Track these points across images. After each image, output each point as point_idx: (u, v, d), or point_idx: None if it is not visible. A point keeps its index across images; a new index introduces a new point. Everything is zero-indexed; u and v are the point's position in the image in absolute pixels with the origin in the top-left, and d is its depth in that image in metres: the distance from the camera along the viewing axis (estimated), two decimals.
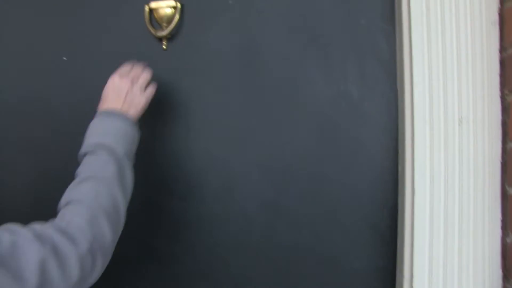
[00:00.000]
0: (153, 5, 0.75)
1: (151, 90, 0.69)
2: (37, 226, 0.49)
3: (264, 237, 0.71)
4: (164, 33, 0.74)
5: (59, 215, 0.54)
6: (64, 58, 0.80)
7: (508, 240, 0.59)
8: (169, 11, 0.74)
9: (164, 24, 0.75)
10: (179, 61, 0.75)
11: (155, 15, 0.75)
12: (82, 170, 0.58)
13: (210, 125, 0.75)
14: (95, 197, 0.55)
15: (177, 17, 0.74)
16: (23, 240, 0.45)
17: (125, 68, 0.69)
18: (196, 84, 0.75)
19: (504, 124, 0.61)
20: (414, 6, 0.65)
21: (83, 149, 0.61)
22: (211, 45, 0.75)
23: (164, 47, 0.76)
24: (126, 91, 0.65)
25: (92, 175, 0.57)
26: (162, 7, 0.74)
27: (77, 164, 0.60)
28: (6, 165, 0.82)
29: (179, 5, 0.74)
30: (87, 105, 0.78)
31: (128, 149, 0.62)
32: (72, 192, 0.56)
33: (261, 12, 0.73)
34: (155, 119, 0.75)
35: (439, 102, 0.63)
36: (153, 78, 0.70)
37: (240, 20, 0.74)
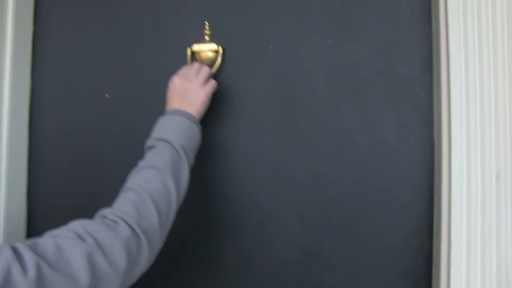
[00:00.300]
0: (195, 48, 0.77)
1: (211, 84, 0.72)
2: (77, 225, 0.50)
3: (299, 279, 0.73)
4: None
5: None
6: (107, 95, 0.82)
7: None
8: (210, 54, 0.77)
9: None
10: (219, 104, 0.77)
11: (197, 57, 0.77)
12: (141, 162, 0.62)
13: (248, 168, 0.76)
14: (145, 183, 0.58)
15: (219, 60, 0.77)
16: (65, 241, 0.47)
17: (183, 69, 0.72)
18: (236, 127, 0.77)
19: None
20: (453, 57, 0.67)
21: (146, 144, 0.66)
22: (251, 89, 0.77)
23: None
24: (185, 89, 0.69)
25: (147, 164, 0.61)
26: (204, 51, 0.76)
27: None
28: (48, 198, 0.84)
29: (221, 49, 0.77)
30: (129, 143, 0.81)
31: (186, 142, 0.64)
32: (127, 182, 0.60)
33: (300, 59, 0.75)
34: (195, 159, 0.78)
35: (477, 156, 0.65)
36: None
37: (280, 66, 0.76)
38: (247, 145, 0.77)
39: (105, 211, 0.55)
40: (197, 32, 0.78)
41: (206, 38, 0.77)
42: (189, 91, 0.69)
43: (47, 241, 0.46)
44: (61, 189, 0.83)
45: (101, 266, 0.47)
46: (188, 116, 0.67)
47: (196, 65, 0.73)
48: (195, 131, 0.68)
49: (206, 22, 0.77)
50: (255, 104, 0.77)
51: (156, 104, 0.79)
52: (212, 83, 0.72)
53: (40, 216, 0.84)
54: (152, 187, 0.58)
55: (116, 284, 0.50)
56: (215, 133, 0.77)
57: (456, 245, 0.64)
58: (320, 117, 0.74)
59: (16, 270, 0.41)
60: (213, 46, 0.76)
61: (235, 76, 0.78)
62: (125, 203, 0.55)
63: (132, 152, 0.79)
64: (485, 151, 0.65)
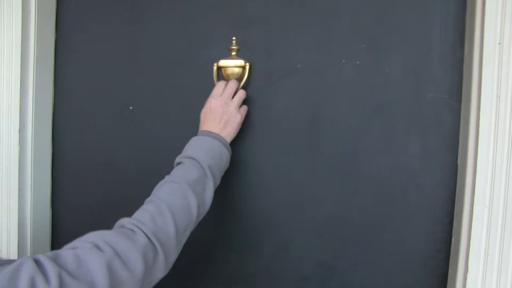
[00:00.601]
0: (221, 63, 0.75)
1: (245, 108, 0.74)
2: (94, 235, 0.53)
3: None
4: None
5: None
6: (131, 107, 0.82)
7: None
8: (237, 70, 0.75)
9: None
10: (244, 120, 0.77)
11: (223, 73, 0.76)
12: (167, 177, 0.65)
13: (271, 186, 0.78)
14: (165, 196, 0.60)
15: (245, 76, 0.76)
16: (84, 251, 0.49)
17: (218, 89, 0.73)
18: (259, 144, 0.78)
19: None
20: (486, 85, 0.66)
21: (175, 161, 0.67)
22: (276, 107, 0.77)
23: None
24: (223, 112, 0.70)
25: (171, 179, 0.63)
26: (230, 66, 0.75)
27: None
28: (71, 208, 0.86)
29: (247, 65, 0.76)
30: (151, 154, 0.82)
31: (213, 163, 0.66)
32: (151, 194, 0.63)
33: (328, 79, 0.74)
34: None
35: (501, 186, 0.66)
36: None
37: (307, 85, 0.75)
38: (270, 163, 0.78)
39: (124, 221, 0.57)
40: (223, 47, 0.76)
41: (233, 53, 0.76)
42: (225, 114, 0.70)
43: (67, 252, 0.49)
44: (84, 199, 0.85)
45: (119, 272, 0.50)
46: (220, 139, 0.68)
47: (233, 86, 0.73)
48: (224, 154, 0.69)
49: (233, 37, 0.75)
50: (279, 122, 0.77)
51: (180, 118, 0.80)
52: (245, 107, 0.74)
53: (64, 225, 0.86)
54: (172, 200, 0.60)
55: None
56: (238, 149, 0.78)
57: (473, 272, 0.67)
58: (344, 137, 0.74)
59: (40, 281, 0.43)
60: (240, 61, 0.75)
61: (261, 93, 0.77)
62: (143, 214, 0.58)
63: (153, 164, 0.81)
64: (510, 181, 0.66)
